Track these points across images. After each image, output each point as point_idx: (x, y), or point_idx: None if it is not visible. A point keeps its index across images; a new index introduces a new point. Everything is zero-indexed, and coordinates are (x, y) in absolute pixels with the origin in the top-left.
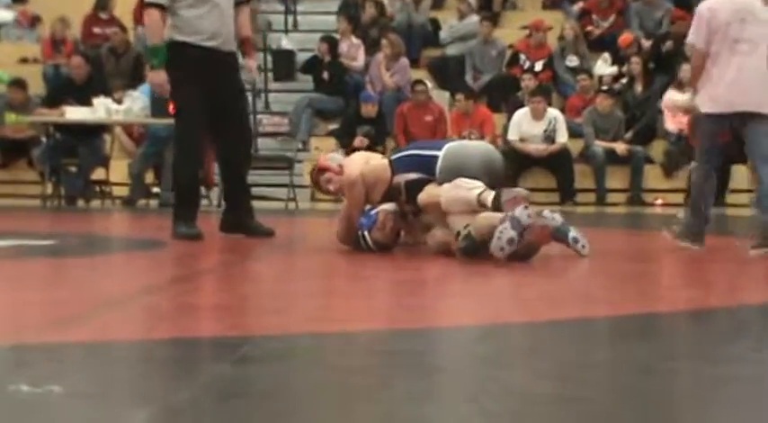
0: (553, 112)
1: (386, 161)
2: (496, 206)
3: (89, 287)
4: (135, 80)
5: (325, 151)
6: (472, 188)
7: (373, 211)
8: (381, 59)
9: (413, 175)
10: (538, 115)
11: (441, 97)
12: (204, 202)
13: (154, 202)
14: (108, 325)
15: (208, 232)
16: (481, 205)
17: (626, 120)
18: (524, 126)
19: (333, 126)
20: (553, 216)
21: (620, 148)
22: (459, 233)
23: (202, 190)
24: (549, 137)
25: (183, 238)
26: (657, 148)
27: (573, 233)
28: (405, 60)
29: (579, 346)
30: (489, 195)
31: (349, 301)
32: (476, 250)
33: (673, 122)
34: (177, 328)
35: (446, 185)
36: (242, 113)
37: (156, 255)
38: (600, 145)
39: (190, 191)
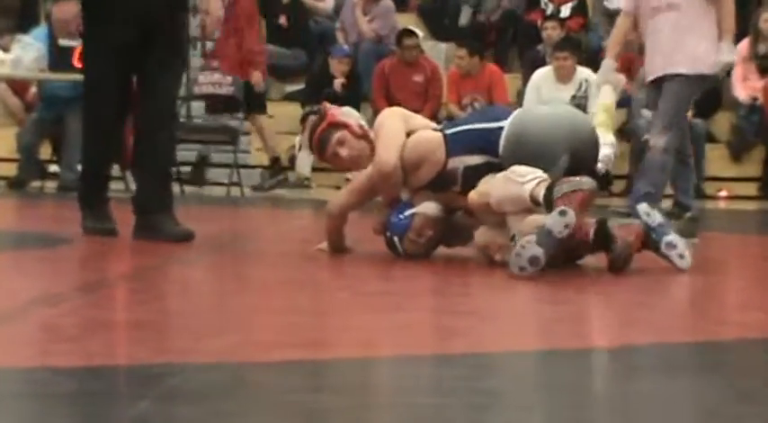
0: (584, 72)
1: (439, 135)
2: (548, 204)
3: None
4: (26, 21)
5: (284, 120)
6: (525, 182)
7: (408, 212)
8: (357, 1)
9: (474, 159)
10: (564, 76)
11: (435, 51)
12: (119, 185)
13: (51, 185)
14: None
15: (124, 226)
16: (535, 203)
17: None
18: (546, 91)
19: (293, 88)
20: (648, 211)
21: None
22: (513, 237)
23: (116, 170)
24: (579, 105)
25: (90, 233)
26: (722, 123)
27: (670, 237)
28: (388, 2)
29: (619, 382)
30: (542, 190)
31: (313, 321)
32: None
33: (744, 88)
34: (82, 352)
35: (498, 178)
36: (178, 70)
37: (54, 255)
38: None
39: (100, 171)
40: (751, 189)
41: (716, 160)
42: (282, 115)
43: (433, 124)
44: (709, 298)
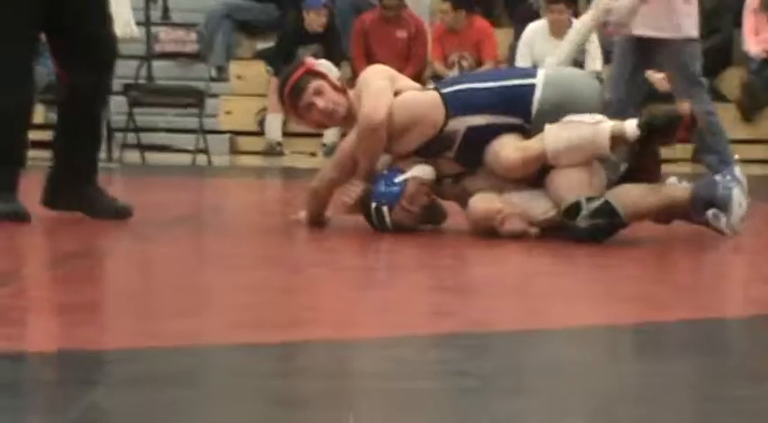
0: None
1: (435, 94)
2: (651, 131)
3: None
4: None
5: (254, 80)
6: (596, 122)
7: (399, 178)
8: None
9: (478, 119)
10: (559, 31)
11: (419, 5)
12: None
13: None
14: None
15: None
16: (616, 142)
17: None
18: (539, 47)
19: (263, 45)
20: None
21: (656, 77)
22: (576, 205)
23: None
24: (576, 62)
25: None
26: (731, 80)
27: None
28: None
29: (618, 363)
30: (628, 123)
31: (286, 299)
32: (612, 230)
33: (756, 42)
34: (29, 336)
35: (550, 126)
36: (105, 13)
37: None
38: (652, 76)
39: (12, 142)
40: (763, 152)
41: (725, 121)
42: (252, 75)
43: (419, 86)
44: (716, 271)
